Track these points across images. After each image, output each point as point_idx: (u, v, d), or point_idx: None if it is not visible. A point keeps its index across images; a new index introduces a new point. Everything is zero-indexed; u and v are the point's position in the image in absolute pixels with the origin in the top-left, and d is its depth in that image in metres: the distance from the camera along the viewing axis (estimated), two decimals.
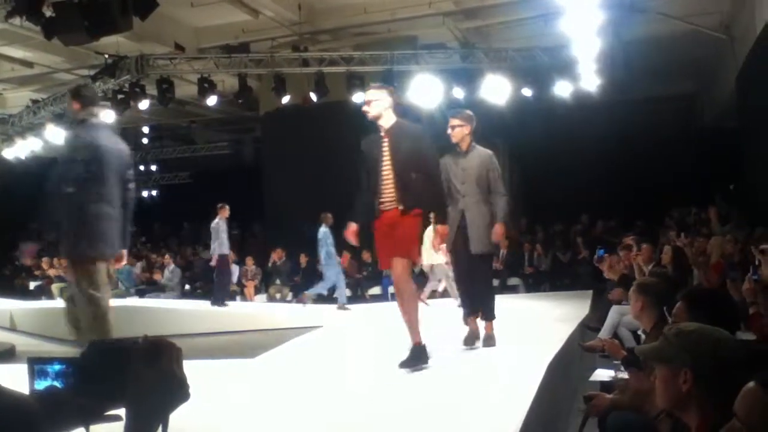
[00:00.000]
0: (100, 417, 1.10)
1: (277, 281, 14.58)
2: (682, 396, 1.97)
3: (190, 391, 1.12)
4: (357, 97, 13.04)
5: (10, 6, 9.05)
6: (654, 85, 16.00)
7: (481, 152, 5.53)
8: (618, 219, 15.26)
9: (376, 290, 14.06)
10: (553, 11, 10.38)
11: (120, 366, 1.07)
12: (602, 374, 4.84)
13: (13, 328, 11.44)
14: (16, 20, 9.74)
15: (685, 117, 17.64)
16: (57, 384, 1.11)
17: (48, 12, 8.85)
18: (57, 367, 1.12)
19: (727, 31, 12.87)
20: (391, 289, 13.54)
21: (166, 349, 1.10)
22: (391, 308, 5.51)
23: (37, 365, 1.12)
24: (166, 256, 15.85)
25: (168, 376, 1.09)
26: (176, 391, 1.09)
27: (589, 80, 12.71)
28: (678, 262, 8.04)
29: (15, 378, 1.46)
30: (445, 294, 9.96)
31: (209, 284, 15.33)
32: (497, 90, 12.77)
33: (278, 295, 14.24)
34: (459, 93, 12.94)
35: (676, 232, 11.00)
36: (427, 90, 12.72)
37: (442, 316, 6.73)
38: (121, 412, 1.10)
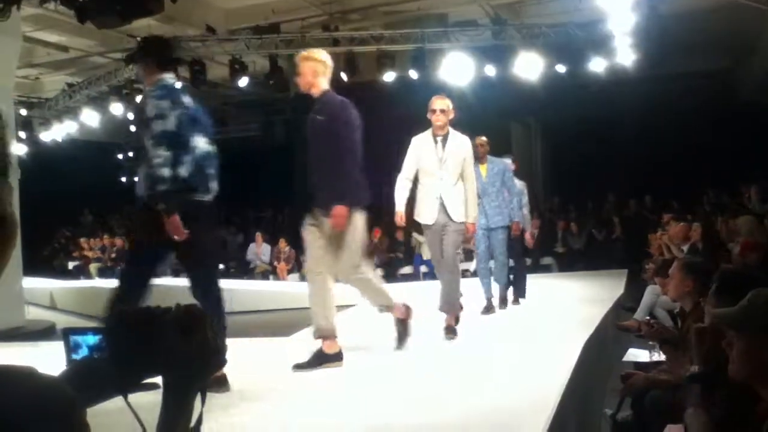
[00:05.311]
0: (137, 386, 1.10)
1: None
2: (765, 366, 1.88)
3: (226, 357, 1.13)
4: (388, 77, 12.97)
5: None
6: (691, 59, 15.60)
7: None
8: (653, 197, 15.03)
9: (407, 269, 14.06)
10: None
11: (154, 334, 1.07)
12: (635, 354, 4.79)
13: (53, 307, 11.72)
14: (51, 5, 9.85)
15: (722, 92, 17.21)
16: (93, 354, 1.12)
17: None
18: (92, 337, 1.13)
19: (767, 2, 12.47)
20: (422, 269, 13.56)
21: (199, 316, 1.10)
22: (423, 287, 5.53)
23: (72, 336, 1.13)
24: None
25: (203, 342, 1.09)
26: (212, 357, 1.10)
27: (625, 55, 12.45)
28: (708, 239, 7.91)
29: (55, 355, 1.48)
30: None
31: (241, 264, 15.54)
32: (530, 67, 12.58)
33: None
34: (491, 70, 12.79)
35: (707, 212, 10.81)
36: (458, 68, 12.59)
37: (470, 295, 6.72)
38: (159, 380, 1.11)
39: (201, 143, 4.02)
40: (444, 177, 5.46)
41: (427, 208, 5.48)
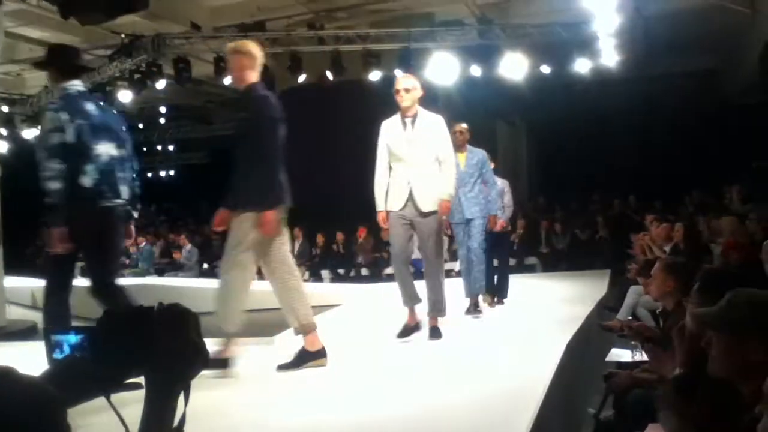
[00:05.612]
0: (120, 385, 1.10)
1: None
2: (748, 365, 1.88)
3: (209, 357, 1.12)
4: (374, 76, 12.96)
5: None
6: (675, 60, 15.72)
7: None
8: (637, 197, 15.12)
9: (392, 269, 14.04)
10: None
11: (137, 334, 1.06)
12: (618, 354, 4.83)
13: (34, 306, 11.59)
14: (33, 0, 9.76)
15: (707, 93, 17.37)
16: (75, 353, 1.11)
17: None
18: (74, 336, 1.11)
19: (751, 5, 12.58)
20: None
21: (183, 315, 1.09)
22: None
23: (54, 336, 1.12)
24: (182, 237, 15.97)
25: (186, 342, 1.08)
26: (195, 357, 1.09)
27: (609, 56, 12.53)
28: (690, 239, 7.98)
29: (37, 355, 1.46)
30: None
31: None
32: (515, 67, 12.62)
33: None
34: (476, 70, 12.82)
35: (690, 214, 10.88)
36: (444, 68, 12.60)
37: (456, 293, 6.73)
38: (142, 380, 1.10)
39: (107, 150, 4.05)
40: (413, 160, 5.14)
41: (395, 195, 5.20)
